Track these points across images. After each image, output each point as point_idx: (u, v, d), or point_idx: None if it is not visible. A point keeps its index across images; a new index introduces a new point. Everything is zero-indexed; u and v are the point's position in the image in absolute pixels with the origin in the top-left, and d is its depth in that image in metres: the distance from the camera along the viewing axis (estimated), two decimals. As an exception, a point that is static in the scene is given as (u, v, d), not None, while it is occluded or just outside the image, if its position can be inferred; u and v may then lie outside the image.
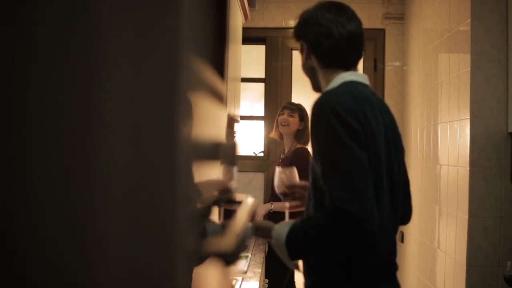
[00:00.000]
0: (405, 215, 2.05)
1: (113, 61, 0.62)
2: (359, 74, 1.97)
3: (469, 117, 3.36)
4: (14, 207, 0.58)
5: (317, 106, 1.78)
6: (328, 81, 1.95)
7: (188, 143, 0.77)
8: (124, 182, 0.65)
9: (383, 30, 5.39)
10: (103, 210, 0.60)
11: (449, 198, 3.76)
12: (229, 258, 1.09)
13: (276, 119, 4.51)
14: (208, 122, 1.18)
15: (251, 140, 5.68)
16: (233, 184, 1.81)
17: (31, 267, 0.58)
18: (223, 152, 1.52)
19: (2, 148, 0.58)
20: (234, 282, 3.01)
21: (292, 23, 5.09)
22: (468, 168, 3.36)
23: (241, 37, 2.64)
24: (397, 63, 5.38)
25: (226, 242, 1.13)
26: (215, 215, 1.43)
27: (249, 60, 5.54)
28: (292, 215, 4.19)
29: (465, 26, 3.46)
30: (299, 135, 4.39)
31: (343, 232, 1.66)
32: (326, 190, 1.69)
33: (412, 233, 4.80)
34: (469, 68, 3.37)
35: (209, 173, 1.22)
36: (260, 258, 3.90)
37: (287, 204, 2.42)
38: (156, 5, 0.69)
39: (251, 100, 5.83)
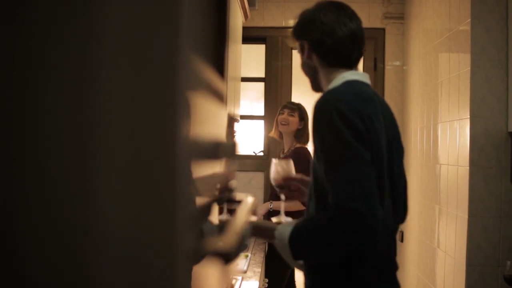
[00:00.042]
0: (402, 215, 2.05)
1: (113, 61, 0.62)
2: (360, 73, 1.97)
3: (469, 117, 3.36)
4: (14, 207, 0.58)
5: (320, 105, 1.77)
6: (330, 80, 1.94)
7: (188, 142, 0.77)
8: (124, 182, 0.65)
9: (383, 30, 5.39)
10: (103, 210, 0.60)
11: (449, 198, 3.76)
12: (228, 257, 1.09)
13: (276, 118, 4.51)
14: (208, 122, 1.18)
15: (251, 139, 5.68)
16: (233, 183, 1.81)
17: (31, 267, 0.58)
18: (223, 151, 1.52)
19: (2, 148, 0.58)
20: (234, 281, 3.01)
21: (292, 22, 5.09)
22: (468, 167, 3.36)
23: (241, 36, 2.64)
24: (397, 63, 5.38)
25: (225, 241, 1.13)
26: (215, 215, 1.43)
27: (249, 59, 5.54)
28: (291, 215, 4.20)
29: (465, 26, 3.46)
30: (299, 135, 4.39)
31: (347, 231, 1.66)
32: (330, 189, 1.68)
33: (412, 232, 4.81)
34: (469, 68, 3.37)
35: (209, 172, 1.22)
36: (260, 257, 3.90)
37: (282, 197, 2.40)
38: (156, 5, 0.68)
39: (251, 100, 5.84)
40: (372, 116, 1.75)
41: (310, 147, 4.42)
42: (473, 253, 3.35)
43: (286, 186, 2.34)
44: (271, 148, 5.42)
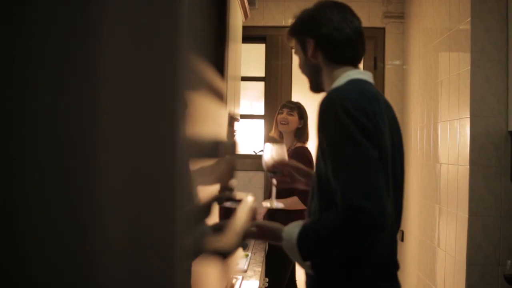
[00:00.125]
0: (401, 215, 2.05)
1: (113, 61, 0.62)
2: (364, 72, 1.96)
3: (469, 116, 3.36)
4: (14, 207, 0.58)
5: (325, 104, 1.76)
6: (333, 79, 1.93)
7: (188, 142, 0.77)
8: (124, 182, 0.65)
9: (383, 29, 5.39)
10: (103, 210, 0.60)
11: (449, 197, 3.76)
12: (226, 255, 1.09)
13: (275, 118, 4.51)
14: (208, 121, 1.17)
15: (251, 138, 5.68)
16: (233, 183, 1.81)
17: (31, 267, 0.58)
18: (223, 151, 1.52)
19: (2, 148, 0.58)
20: (234, 281, 3.01)
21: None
22: (468, 167, 3.36)
23: (241, 35, 2.64)
24: (397, 62, 5.38)
25: (223, 240, 1.13)
26: (215, 214, 1.43)
27: (249, 59, 5.54)
28: (290, 214, 4.20)
29: (465, 25, 3.46)
30: (299, 134, 4.39)
31: (357, 229, 1.65)
32: (338, 187, 1.68)
33: (412, 231, 4.81)
34: (469, 67, 3.37)
35: (209, 172, 1.22)
36: (260, 257, 3.90)
37: (274, 181, 2.39)
38: (156, 5, 0.68)
39: (251, 99, 5.84)
40: (377, 115, 1.74)
41: (310, 146, 4.42)
42: (473, 253, 3.35)
43: (279, 171, 2.32)
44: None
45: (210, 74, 1.24)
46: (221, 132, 1.50)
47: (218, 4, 1.65)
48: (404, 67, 5.30)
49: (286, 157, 2.36)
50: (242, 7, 2.65)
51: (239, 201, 1.71)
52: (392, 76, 5.38)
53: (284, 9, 5.42)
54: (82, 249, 0.60)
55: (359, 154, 1.67)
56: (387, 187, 1.72)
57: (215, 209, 1.44)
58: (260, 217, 4.57)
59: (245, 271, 3.40)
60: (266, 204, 2.69)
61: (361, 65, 2.04)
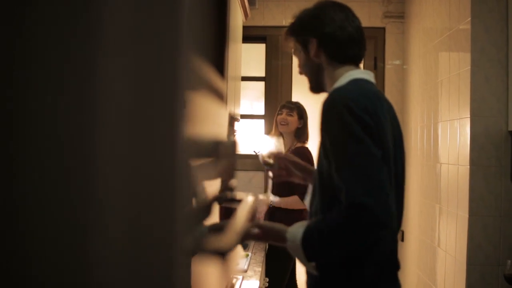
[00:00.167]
0: (401, 214, 2.05)
1: (113, 61, 0.62)
2: (366, 71, 1.96)
3: (469, 116, 3.36)
4: (14, 207, 0.58)
5: (328, 103, 1.76)
6: (335, 79, 1.93)
7: (188, 142, 0.77)
8: (124, 182, 0.65)
9: (383, 29, 5.39)
10: (103, 210, 0.60)
11: (449, 197, 3.76)
12: (225, 254, 1.09)
13: (275, 118, 4.50)
14: (208, 121, 1.17)
15: (251, 138, 5.68)
16: (233, 183, 1.81)
17: (31, 267, 0.58)
18: (224, 150, 1.52)
19: (2, 148, 0.58)
20: (234, 280, 3.01)
21: (292, 21, 5.09)
22: (468, 166, 3.36)
23: (241, 35, 2.64)
24: (397, 62, 5.38)
25: (223, 239, 1.13)
26: (215, 214, 1.43)
27: (249, 58, 5.54)
28: (291, 213, 4.20)
29: (465, 25, 3.46)
30: (299, 134, 4.39)
31: (360, 226, 1.64)
32: (342, 185, 1.67)
33: (412, 231, 4.81)
34: (469, 67, 3.37)
35: (209, 171, 1.22)
36: (260, 256, 3.90)
37: (270, 174, 2.38)
38: (156, 5, 0.68)
39: (251, 99, 5.84)
40: (379, 114, 1.74)
41: (310, 145, 4.42)
42: (474, 252, 3.35)
43: (276, 164, 2.31)
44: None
45: (210, 74, 1.24)
46: (221, 132, 1.50)
47: (218, 4, 1.65)
48: (404, 67, 5.30)
49: (283, 150, 2.35)
50: (242, 7, 2.66)
51: (239, 201, 1.71)
52: (392, 76, 5.38)
53: (284, 9, 5.42)
54: (82, 249, 0.60)
55: (362, 152, 1.67)
56: (390, 185, 1.71)
57: (216, 209, 1.44)
58: (260, 216, 4.57)
59: (245, 271, 3.40)
60: (263, 197, 2.69)
61: (361, 65, 2.04)
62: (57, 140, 0.59)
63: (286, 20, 5.40)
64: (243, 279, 3.19)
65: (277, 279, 4.16)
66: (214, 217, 1.35)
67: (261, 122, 5.58)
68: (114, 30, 0.62)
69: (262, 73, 5.63)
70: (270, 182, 2.44)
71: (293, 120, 4.35)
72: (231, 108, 1.84)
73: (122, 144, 0.65)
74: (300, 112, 4.38)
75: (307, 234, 1.75)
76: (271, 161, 2.32)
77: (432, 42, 4.29)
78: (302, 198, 4.17)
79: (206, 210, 1.17)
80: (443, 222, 3.91)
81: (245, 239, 2.01)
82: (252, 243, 4.16)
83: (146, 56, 0.67)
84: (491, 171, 3.33)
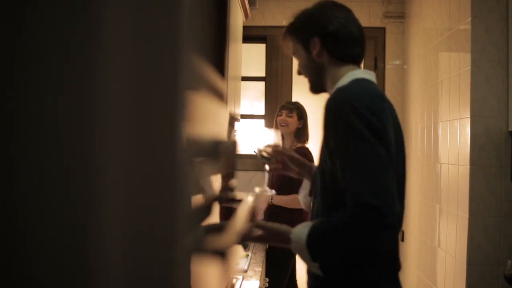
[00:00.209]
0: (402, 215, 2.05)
1: (113, 61, 0.62)
2: (368, 71, 1.96)
3: (469, 116, 3.36)
4: (14, 207, 0.58)
5: (333, 102, 1.75)
6: (337, 79, 1.92)
7: (188, 142, 0.77)
8: (124, 182, 0.65)
9: (384, 29, 5.39)
10: (103, 210, 0.60)
11: (450, 197, 3.76)
12: (224, 254, 1.09)
13: (274, 119, 4.50)
14: (208, 121, 1.18)
15: (251, 138, 5.67)
16: (233, 183, 1.81)
17: (31, 267, 0.58)
18: (224, 150, 1.52)
19: (2, 148, 0.58)
20: (234, 280, 3.01)
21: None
22: (469, 166, 3.37)
23: (241, 35, 2.64)
24: (397, 62, 5.38)
25: (224, 240, 1.13)
26: (216, 214, 1.43)
27: (250, 58, 5.54)
28: (291, 213, 4.20)
29: (466, 25, 3.46)
30: (299, 134, 4.39)
31: (365, 226, 1.63)
32: (348, 186, 1.67)
33: (413, 231, 4.81)
34: (469, 67, 3.37)
35: (210, 171, 1.22)
36: (260, 257, 3.90)
37: (267, 167, 2.37)
38: (156, 4, 0.69)
39: (252, 99, 5.84)
40: (383, 114, 1.74)
41: (309, 145, 4.42)
42: (474, 253, 3.35)
43: (272, 157, 2.30)
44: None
45: (211, 74, 1.24)
46: (222, 132, 1.50)
47: (219, 4, 1.65)
48: (405, 67, 5.30)
49: (280, 143, 2.34)
50: (243, 7, 2.66)
51: (239, 201, 1.71)
52: (392, 76, 5.38)
53: (284, 9, 5.42)
54: (82, 249, 0.60)
55: (368, 152, 1.67)
56: (394, 186, 1.71)
57: (216, 209, 1.44)
58: (260, 213, 4.56)
59: (246, 271, 3.40)
60: (258, 190, 2.67)
61: (361, 66, 2.04)
62: (57, 140, 0.59)
63: (286, 20, 5.37)
64: (243, 279, 3.19)
65: (277, 279, 4.16)
66: (214, 217, 1.35)
67: (261, 122, 5.58)
68: (114, 30, 0.62)
69: (262, 73, 5.63)
70: (266, 175, 2.42)
71: (293, 121, 4.35)
72: (231, 108, 1.84)
73: (123, 144, 0.65)
74: (299, 112, 4.38)
75: (312, 234, 1.74)
76: (267, 153, 2.30)
77: (432, 42, 4.29)
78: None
79: (206, 210, 1.17)
80: (443, 222, 3.91)
81: (248, 241, 2.00)
82: (252, 244, 4.16)
83: (146, 56, 0.68)
84: (491, 171, 3.34)
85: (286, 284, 4.35)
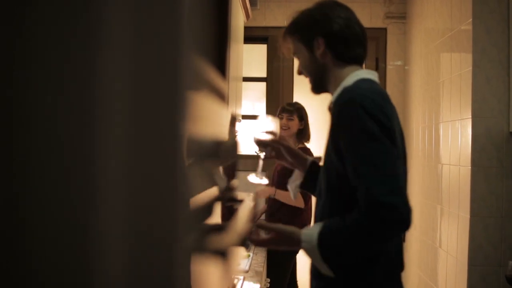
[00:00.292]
0: None
1: (113, 61, 0.62)
2: (371, 72, 1.95)
3: (470, 117, 3.36)
4: (14, 207, 0.58)
5: (344, 103, 1.74)
6: (341, 79, 1.91)
7: (189, 142, 0.77)
8: (125, 181, 0.65)
9: (385, 30, 5.39)
10: (103, 210, 0.60)
11: (451, 197, 3.76)
12: (225, 254, 1.09)
13: (275, 121, 4.48)
14: (210, 121, 1.18)
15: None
16: (235, 183, 1.81)
17: (31, 267, 0.58)
18: (225, 151, 1.52)
19: (2, 148, 0.58)
20: (235, 281, 3.01)
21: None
22: (470, 167, 3.36)
23: (242, 36, 2.64)
24: (399, 63, 5.38)
25: (225, 239, 1.13)
26: (217, 215, 1.43)
27: (251, 59, 5.54)
28: (291, 213, 4.20)
29: (467, 26, 3.46)
30: (301, 135, 4.38)
31: (384, 226, 1.62)
32: (362, 185, 1.66)
33: (414, 232, 4.81)
34: (470, 68, 3.37)
35: (211, 172, 1.22)
36: (261, 257, 3.90)
37: (262, 155, 2.35)
38: (156, 4, 0.68)
39: (253, 100, 5.84)
40: (390, 114, 1.74)
41: (310, 144, 4.42)
42: (475, 253, 3.35)
43: (269, 145, 2.28)
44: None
45: (212, 74, 1.24)
46: (223, 133, 1.50)
47: (220, 4, 1.65)
48: (406, 67, 5.30)
49: (278, 132, 2.32)
50: (244, 8, 2.66)
51: (240, 201, 1.71)
52: (393, 77, 5.38)
53: (285, 9, 5.42)
54: (82, 249, 0.60)
55: (382, 151, 1.66)
56: (406, 185, 1.71)
57: (217, 209, 1.44)
58: (258, 216, 4.56)
59: (247, 272, 3.40)
60: (252, 178, 2.66)
61: (363, 66, 2.03)
62: (57, 140, 0.59)
63: (287, 21, 5.38)
64: (244, 279, 3.19)
65: (278, 279, 4.16)
66: (215, 217, 1.35)
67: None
68: (114, 30, 0.62)
69: (263, 74, 5.63)
70: (261, 162, 2.39)
71: (294, 123, 4.34)
72: (232, 109, 1.84)
73: (123, 144, 0.65)
74: (300, 113, 4.37)
75: (324, 235, 1.74)
76: (264, 142, 2.28)
77: (433, 42, 4.29)
78: (304, 195, 4.17)
79: (207, 210, 1.17)
80: (444, 222, 3.91)
81: (257, 245, 1.99)
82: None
83: (146, 56, 0.68)
84: (492, 172, 3.33)
85: (287, 284, 4.35)
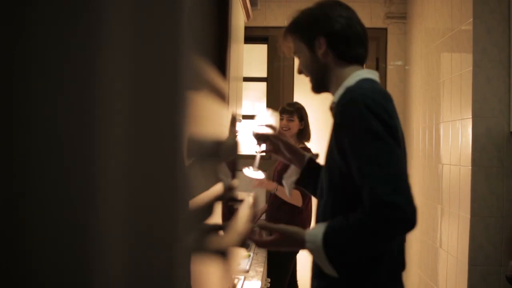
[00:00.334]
0: None
1: (113, 61, 0.62)
2: (372, 72, 1.94)
3: (471, 117, 3.36)
4: (14, 207, 0.58)
5: (347, 102, 1.74)
6: (343, 79, 1.90)
7: (189, 142, 0.77)
8: (125, 182, 0.65)
9: (385, 30, 5.39)
10: (103, 210, 0.60)
11: (451, 197, 3.76)
12: (226, 253, 1.09)
13: (275, 122, 4.48)
14: (210, 121, 1.18)
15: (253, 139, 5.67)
16: (235, 183, 1.81)
17: (31, 267, 0.58)
18: (225, 151, 1.52)
19: (2, 148, 0.58)
20: (236, 281, 3.01)
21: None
22: (470, 167, 3.36)
23: (243, 36, 2.64)
24: (399, 63, 5.38)
25: (225, 239, 1.13)
26: (218, 214, 1.43)
27: (251, 59, 5.54)
28: (291, 213, 4.20)
29: (467, 26, 3.46)
30: (302, 135, 4.39)
31: (389, 225, 1.63)
32: (365, 185, 1.66)
33: (414, 232, 4.79)
34: (471, 68, 3.37)
35: (211, 172, 1.22)
36: (262, 257, 3.91)
37: (259, 148, 2.34)
38: (156, 4, 0.68)
39: (253, 100, 5.84)
40: (393, 114, 1.74)
41: (310, 144, 4.42)
42: (475, 253, 3.35)
43: (267, 138, 2.25)
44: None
45: (212, 74, 1.24)
46: (223, 132, 1.50)
47: (220, 4, 1.65)
48: (406, 67, 5.30)
49: (277, 125, 2.31)
50: (244, 8, 2.65)
51: (240, 201, 1.71)
52: (394, 77, 5.38)
53: (286, 9, 5.42)
54: (82, 249, 0.60)
55: (386, 150, 1.67)
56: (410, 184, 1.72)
57: (218, 209, 1.44)
58: (259, 216, 4.57)
59: (247, 271, 3.40)
60: (247, 172, 2.63)
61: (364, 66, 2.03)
62: (57, 140, 0.59)
63: (288, 21, 5.38)
64: (244, 279, 3.19)
65: (278, 279, 4.17)
66: (216, 217, 1.35)
67: (263, 122, 5.57)
68: (114, 30, 0.62)
69: (264, 74, 5.64)
70: (258, 156, 2.37)
71: (294, 124, 4.34)
72: (233, 109, 1.84)
73: (123, 144, 0.65)
74: (300, 114, 4.37)
75: (329, 234, 1.73)
76: (263, 135, 2.26)
77: (434, 42, 4.29)
78: (302, 193, 4.17)
79: (207, 210, 1.17)
80: (444, 222, 3.91)
81: (261, 246, 1.99)
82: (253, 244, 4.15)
83: (146, 56, 0.67)
84: (492, 172, 3.33)
85: (287, 284, 4.35)
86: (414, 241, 4.80)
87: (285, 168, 2.74)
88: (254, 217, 1.85)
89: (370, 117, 1.67)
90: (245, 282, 3.15)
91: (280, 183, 4.13)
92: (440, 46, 4.10)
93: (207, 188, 1.13)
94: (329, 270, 1.77)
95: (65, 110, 0.58)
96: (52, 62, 0.58)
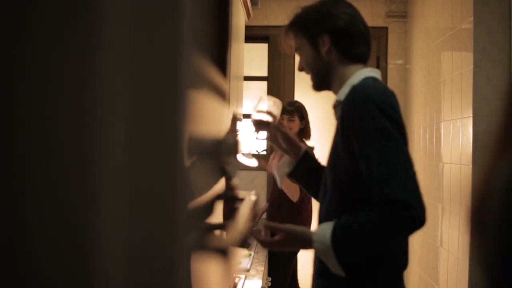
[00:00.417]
0: None
1: (113, 61, 0.62)
2: (375, 70, 1.92)
3: (471, 115, 3.36)
4: (14, 207, 0.58)
5: (354, 101, 1.73)
6: (346, 77, 1.89)
7: (190, 141, 0.77)
8: (125, 182, 0.65)
9: (386, 28, 5.39)
10: (103, 210, 0.61)
11: (452, 196, 3.76)
12: (227, 252, 1.09)
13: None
14: (210, 121, 1.18)
15: (253, 138, 5.66)
16: (235, 182, 1.81)
17: (31, 267, 0.58)
18: (226, 150, 1.52)
19: (2, 148, 0.58)
20: (237, 280, 3.01)
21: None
22: (471, 166, 3.36)
23: (243, 35, 2.64)
24: (400, 61, 5.38)
25: (226, 238, 1.13)
26: (218, 214, 1.43)
27: (252, 58, 5.54)
28: (292, 213, 4.19)
29: (468, 25, 3.46)
30: (302, 134, 4.38)
31: (399, 223, 1.62)
32: (375, 183, 1.65)
33: (415, 231, 4.80)
34: (471, 66, 3.37)
35: (211, 171, 1.22)
36: (263, 256, 3.91)
37: (257, 136, 2.31)
38: (156, 4, 0.68)
39: (254, 99, 5.84)
40: (399, 112, 1.74)
41: (310, 143, 4.42)
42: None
43: (265, 126, 2.23)
44: (274, 148, 5.41)
45: (213, 73, 1.24)
46: (224, 132, 1.50)
47: (221, 4, 1.65)
48: (407, 66, 5.30)
49: (279, 115, 2.28)
50: (245, 7, 2.65)
51: (241, 200, 1.71)
52: (394, 76, 5.38)
53: (286, 8, 5.42)
54: (82, 249, 0.60)
55: (395, 148, 1.66)
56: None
57: (218, 209, 1.44)
58: (260, 215, 4.57)
59: (248, 270, 3.40)
60: (243, 158, 2.61)
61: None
62: (57, 140, 0.59)
63: (288, 20, 5.38)
64: (245, 278, 3.19)
65: (279, 278, 4.16)
66: (216, 216, 1.35)
67: (263, 121, 5.57)
68: (114, 30, 0.62)
69: (264, 73, 5.63)
70: (254, 143, 2.34)
71: (295, 124, 4.33)
72: (233, 108, 1.84)
73: (123, 144, 0.65)
74: (300, 113, 4.36)
75: (338, 233, 1.72)
76: (262, 123, 2.23)
77: (434, 41, 4.29)
78: (300, 190, 4.17)
79: (207, 210, 1.17)
80: (445, 221, 3.91)
81: (268, 247, 1.99)
82: (254, 243, 4.16)
83: (146, 56, 0.68)
84: (493, 171, 3.33)
85: (288, 283, 4.35)
86: (414, 240, 4.80)
87: None
88: (255, 216, 1.85)
89: (379, 116, 1.66)
90: (246, 281, 3.15)
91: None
92: (441, 45, 4.10)
93: (207, 187, 1.13)
94: (336, 269, 1.76)
95: (65, 110, 0.58)
96: (52, 62, 0.58)
